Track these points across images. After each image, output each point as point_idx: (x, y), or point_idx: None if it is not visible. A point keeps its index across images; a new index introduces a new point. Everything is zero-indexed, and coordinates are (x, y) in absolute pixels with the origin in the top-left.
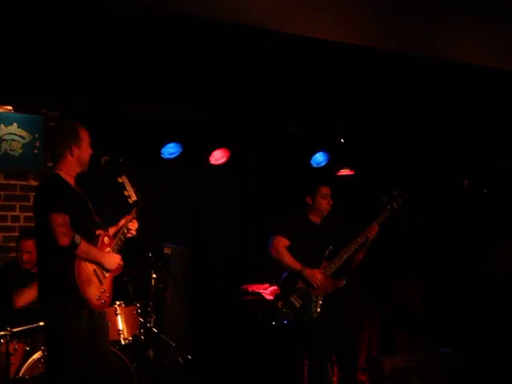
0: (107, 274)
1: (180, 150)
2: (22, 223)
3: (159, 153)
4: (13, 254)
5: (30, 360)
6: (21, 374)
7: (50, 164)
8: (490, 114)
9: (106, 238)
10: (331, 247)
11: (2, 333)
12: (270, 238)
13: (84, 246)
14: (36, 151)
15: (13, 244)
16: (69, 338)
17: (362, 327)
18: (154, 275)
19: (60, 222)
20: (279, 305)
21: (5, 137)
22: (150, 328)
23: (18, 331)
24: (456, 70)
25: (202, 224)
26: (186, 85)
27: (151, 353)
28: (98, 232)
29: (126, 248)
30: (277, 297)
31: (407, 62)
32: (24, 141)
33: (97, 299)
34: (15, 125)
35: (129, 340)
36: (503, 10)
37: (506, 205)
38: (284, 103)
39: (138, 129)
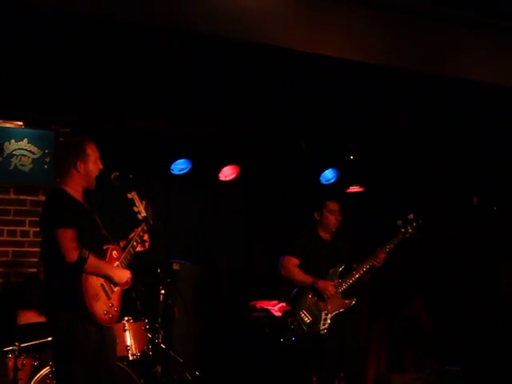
0: (115, 289)
1: (190, 167)
2: (31, 238)
3: (169, 169)
4: (34, 270)
5: (38, 375)
6: None
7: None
8: (501, 132)
9: (114, 252)
10: (344, 265)
11: (11, 348)
12: (280, 259)
13: (92, 261)
14: (46, 166)
15: (22, 259)
16: (78, 354)
17: (370, 344)
18: (163, 291)
19: (67, 237)
20: (288, 321)
21: (15, 152)
22: (158, 344)
23: (26, 346)
24: (467, 87)
25: (211, 240)
26: (197, 102)
27: (159, 369)
28: (106, 246)
29: (135, 264)
30: (285, 313)
31: (417, 79)
32: (34, 156)
33: (104, 314)
34: (25, 140)
35: (137, 356)
36: None
37: None
38: (293, 120)
39: (148, 145)
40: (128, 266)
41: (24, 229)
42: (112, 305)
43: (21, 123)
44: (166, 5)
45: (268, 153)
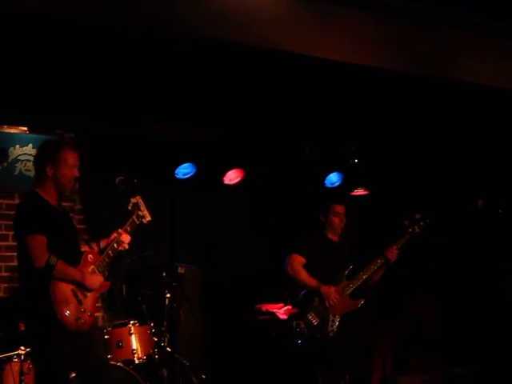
0: (89, 294)
1: (194, 171)
2: None
3: (173, 173)
4: None
5: None
6: None
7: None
8: (505, 134)
9: (89, 256)
10: (351, 266)
11: (16, 352)
12: (287, 257)
13: (61, 267)
14: None
15: None
16: (53, 360)
17: (375, 346)
18: (168, 294)
19: (36, 243)
20: (293, 324)
21: (20, 157)
22: (164, 347)
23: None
24: (472, 90)
25: (216, 244)
26: (201, 106)
27: (165, 372)
28: (83, 249)
29: (141, 268)
30: (291, 316)
31: (423, 83)
32: None
33: (76, 320)
34: (30, 145)
35: (143, 359)
36: None
37: None
38: (298, 124)
39: (153, 149)
40: (106, 269)
41: None
42: (84, 310)
43: (25, 128)
44: (170, 8)
45: (273, 156)
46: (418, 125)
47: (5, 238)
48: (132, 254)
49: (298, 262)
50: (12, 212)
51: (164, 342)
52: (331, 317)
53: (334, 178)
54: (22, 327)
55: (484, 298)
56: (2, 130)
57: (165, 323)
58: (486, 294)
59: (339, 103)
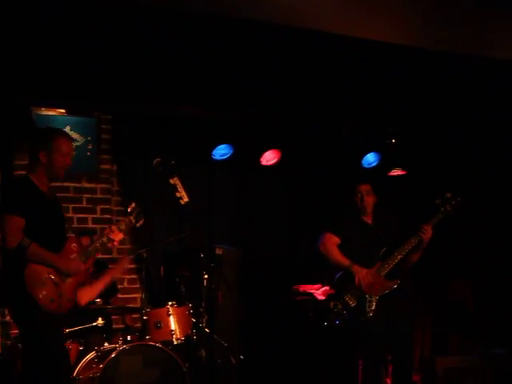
0: (67, 280)
1: (231, 152)
2: (75, 224)
3: (210, 154)
4: None
5: (84, 360)
6: (74, 375)
7: (103, 166)
8: None
9: (73, 245)
10: (385, 248)
11: None
12: (321, 235)
13: (35, 249)
14: (89, 153)
15: None
16: (35, 341)
17: (414, 327)
18: (206, 276)
19: (11, 223)
20: (331, 305)
21: None
22: (203, 328)
23: (71, 331)
24: (509, 68)
25: (254, 225)
26: (238, 86)
27: (203, 353)
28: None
29: (179, 249)
30: (329, 297)
31: (458, 61)
32: (77, 143)
33: (51, 301)
34: (68, 128)
35: (181, 340)
36: None
37: None
38: (335, 104)
39: (190, 131)
40: (89, 259)
41: (68, 215)
42: (61, 294)
43: (63, 111)
44: None
45: (310, 137)
46: (456, 104)
47: None
48: (169, 236)
49: (331, 241)
50: None
51: (202, 323)
52: (368, 297)
53: (371, 159)
54: None
55: None
56: (41, 113)
57: (203, 304)
58: None
59: (376, 83)
